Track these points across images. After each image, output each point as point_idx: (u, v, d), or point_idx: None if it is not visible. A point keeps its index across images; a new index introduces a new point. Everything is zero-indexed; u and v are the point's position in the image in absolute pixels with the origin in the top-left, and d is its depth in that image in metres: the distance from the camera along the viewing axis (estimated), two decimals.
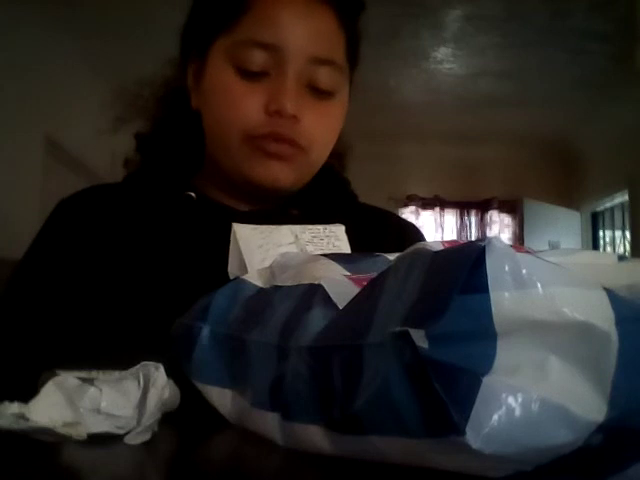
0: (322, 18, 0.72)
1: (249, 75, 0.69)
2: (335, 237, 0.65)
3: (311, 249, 0.62)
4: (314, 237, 0.63)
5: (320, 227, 0.65)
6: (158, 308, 0.63)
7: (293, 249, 0.61)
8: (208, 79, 0.73)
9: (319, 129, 0.72)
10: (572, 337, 0.27)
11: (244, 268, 0.58)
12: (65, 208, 0.77)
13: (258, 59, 0.69)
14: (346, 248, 0.64)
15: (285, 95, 0.68)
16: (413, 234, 0.86)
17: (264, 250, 0.58)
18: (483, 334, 0.27)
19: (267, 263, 0.52)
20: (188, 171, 0.79)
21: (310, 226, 0.65)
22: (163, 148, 0.79)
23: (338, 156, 0.84)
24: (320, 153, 0.75)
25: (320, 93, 0.71)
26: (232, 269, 0.60)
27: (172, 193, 0.76)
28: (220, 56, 0.71)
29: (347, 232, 0.67)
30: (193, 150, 0.78)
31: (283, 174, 0.71)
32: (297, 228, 0.64)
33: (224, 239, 0.62)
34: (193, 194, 0.75)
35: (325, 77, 0.71)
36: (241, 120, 0.69)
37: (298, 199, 0.77)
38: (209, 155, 0.77)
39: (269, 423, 0.40)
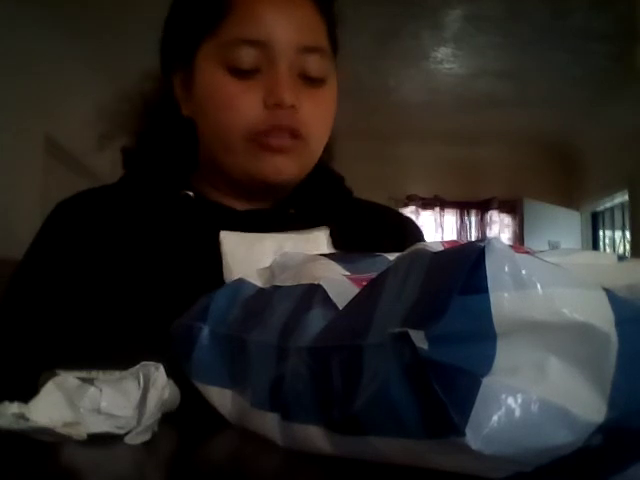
0: (303, 8, 0.73)
1: (242, 73, 0.70)
2: (316, 243, 0.66)
3: None
4: (296, 245, 0.64)
5: (303, 235, 0.66)
6: (157, 308, 0.63)
7: None
8: (200, 85, 0.73)
9: (316, 116, 0.73)
10: (572, 338, 0.27)
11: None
12: (63, 210, 0.77)
13: (248, 57, 0.70)
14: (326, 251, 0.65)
15: (282, 87, 0.69)
16: (412, 229, 0.86)
17: (249, 262, 0.59)
18: (483, 335, 0.27)
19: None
20: (183, 172, 0.79)
21: (293, 234, 0.66)
22: (149, 162, 0.79)
23: (325, 147, 0.85)
24: (318, 141, 0.76)
25: (312, 81, 0.72)
26: (227, 275, 0.61)
27: (169, 192, 0.76)
28: (209, 59, 0.71)
29: (344, 229, 0.68)
30: (185, 156, 0.78)
31: (286, 167, 0.72)
32: (280, 237, 0.65)
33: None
34: (191, 193, 0.75)
35: (315, 64, 0.72)
36: (242, 119, 0.70)
37: (294, 198, 0.78)
38: (207, 158, 0.77)
39: (269, 423, 0.40)
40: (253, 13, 0.70)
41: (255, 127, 0.70)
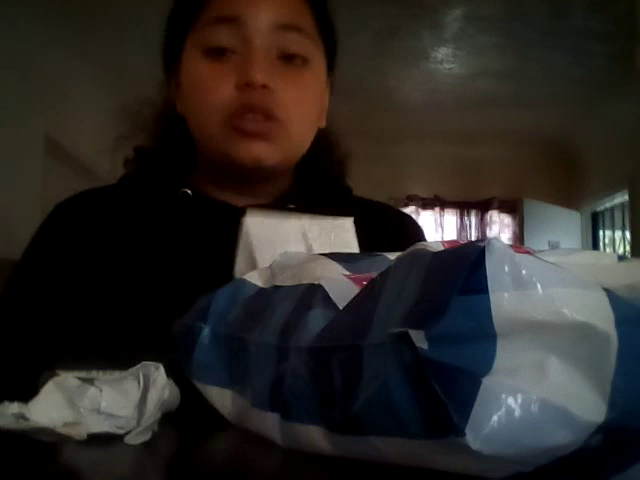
0: None
1: (217, 54, 0.70)
2: (343, 230, 0.65)
3: (317, 245, 0.62)
4: (322, 230, 0.63)
5: (329, 220, 0.65)
6: (158, 308, 0.63)
7: (301, 245, 0.61)
8: (183, 76, 0.74)
9: (295, 99, 0.71)
10: (572, 338, 0.27)
11: (253, 264, 0.58)
12: (62, 211, 0.77)
13: (222, 35, 0.69)
14: (354, 241, 0.64)
15: (252, 66, 0.68)
16: (411, 227, 0.86)
17: (273, 245, 0.58)
18: (483, 335, 0.27)
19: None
20: (182, 169, 0.79)
21: (318, 219, 0.65)
22: (159, 157, 0.80)
23: (339, 164, 0.84)
24: (299, 125, 0.74)
25: (291, 59, 0.71)
26: (240, 266, 0.60)
27: (167, 191, 0.76)
28: (191, 48, 0.72)
29: None
30: (186, 153, 0.78)
31: (265, 153, 0.71)
32: (306, 222, 0.64)
33: (221, 236, 0.62)
34: (189, 191, 0.75)
35: (293, 42, 0.71)
36: (215, 101, 0.69)
37: (294, 193, 0.78)
38: (198, 151, 0.77)
39: (269, 423, 0.40)
40: None
41: (227, 109, 0.69)
